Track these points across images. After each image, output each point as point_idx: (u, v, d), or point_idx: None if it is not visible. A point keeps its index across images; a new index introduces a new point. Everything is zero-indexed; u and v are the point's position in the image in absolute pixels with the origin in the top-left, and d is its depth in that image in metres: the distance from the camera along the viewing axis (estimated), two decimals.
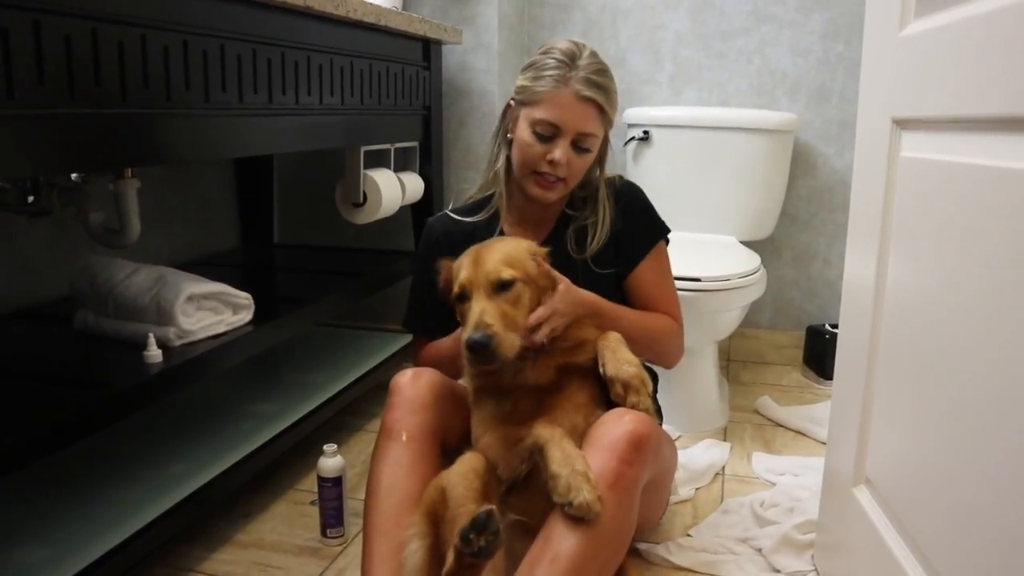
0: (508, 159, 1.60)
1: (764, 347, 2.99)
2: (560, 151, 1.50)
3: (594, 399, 1.39)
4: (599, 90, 1.49)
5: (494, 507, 1.12)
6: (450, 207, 1.73)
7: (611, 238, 1.61)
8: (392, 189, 2.32)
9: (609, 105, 1.53)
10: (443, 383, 1.47)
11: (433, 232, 1.69)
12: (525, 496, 1.32)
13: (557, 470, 1.20)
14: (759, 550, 1.66)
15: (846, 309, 1.50)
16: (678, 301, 1.69)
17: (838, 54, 2.77)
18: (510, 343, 1.26)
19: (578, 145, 1.52)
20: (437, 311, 1.54)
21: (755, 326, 3.00)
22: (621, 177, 1.69)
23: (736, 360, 2.97)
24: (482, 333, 1.24)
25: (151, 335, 1.54)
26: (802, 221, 2.91)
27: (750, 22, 2.82)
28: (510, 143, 1.58)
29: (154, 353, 1.53)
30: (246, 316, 1.78)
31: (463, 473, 1.27)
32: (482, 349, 1.23)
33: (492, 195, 1.67)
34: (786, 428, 2.37)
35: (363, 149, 2.21)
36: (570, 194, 1.63)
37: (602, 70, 1.52)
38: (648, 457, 1.31)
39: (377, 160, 2.41)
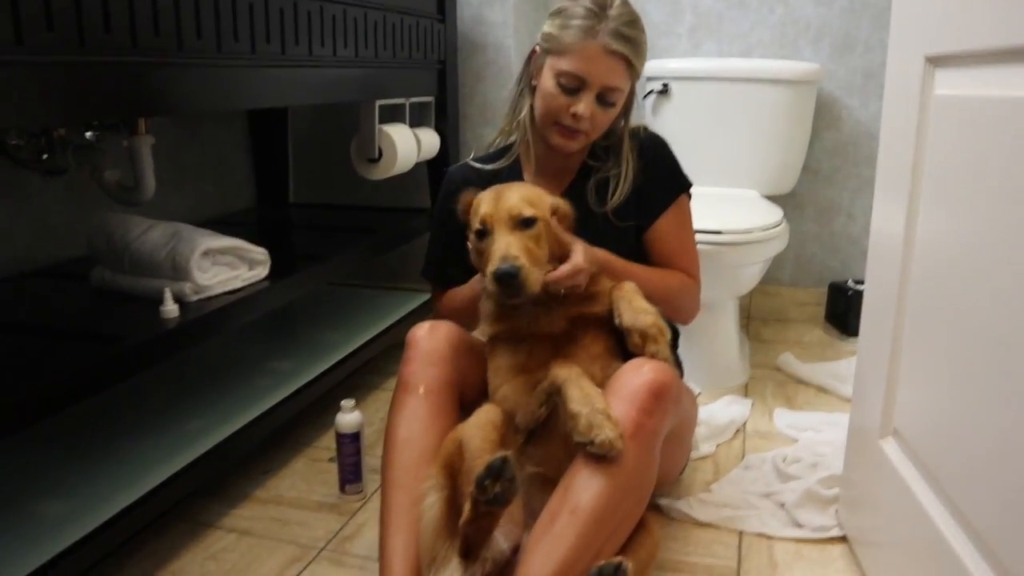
0: (532, 107, 1.56)
1: (785, 304, 2.95)
2: (584, 105, 1.46)
3: (610, 350, 1.37)
4: (628, 43, 1.44)
5: (509, 453, 1.10)
6: (471, 156, 1.70)
7: (633, 191, 1.57)
8: (407, 144, 2.29)
9: (637, 59, 1.47)
10: (460, 336, 1.45)
11: (453, 181, 1.66)
12: (544, 446, 1.31)
13: (577, 408, 1.18)
14: (782, 505, 1.64)
15: (873, 259, 1.46)
16: (697, 257, 1.65)
17: (863, 2, 2.69)
18: (535, 277, 1.24)
19: (603, 99, 1.47)
20: (456, 260, 1.52)
21: (776, 283, 2.96)
22: (646, 128, 1.64)
23: (757, 317, 2.94)
24: (510, 264, 1.21)
25: (167, 290, 1.52)
26: (825, 175, 2.86)
27: None
28: (534, 90, 1.55)
29: (170, 308, 1.51)
30: (262, 272, 1.76)
31: (480, 425, 1.25)
32: (510, 280, 1.21)
33: (513, 143, 1.64)
34: (808, 384, 2.34)
35: (378, 103, 2.18)
36: (592, 144, 1.59)
37: (633, 21, 1.45)
38: (668, 407, 1.28)
39: (392, 115, 2.37)
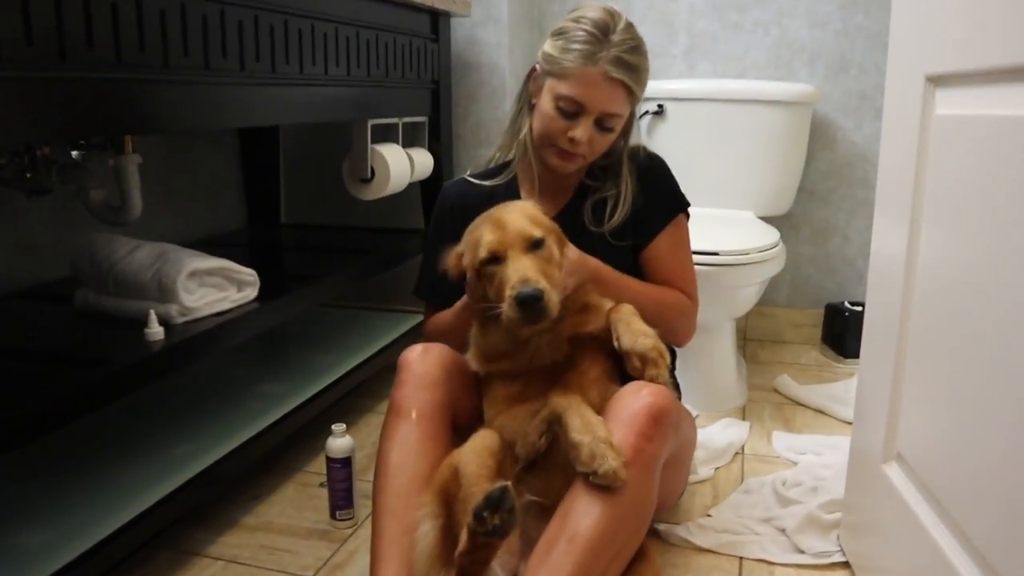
0: (531, 126, 1.54)
1: (781, 326, 2.93)
2: (581, 130, 1.44)
3: (608, 374, 1.35)
4: (629, 71, 1.41)
5: (509, 483, 1.07)
6: (468, 172, 1.69)
7: (631, 211, 1.55)
8: (401, 164, 2.26)
9: (638, 86, 1.46)
10: (453, 359, 1.41)
11: (448, 197, 1.64)
12: (542, 475, 1.27)
13: (578, 438, 1.15)
14: (782, 530, 1.61)
15: (874, 281, 1.44)
16: (694, 278, 1.63)
17: (857, 25, 2.69)
18: (556, 299, 1.20)
19: (602, 124, 1.46)
20: (450, 280, 1.49)
21: (772, 304, 2.93)
22: (645, 149, 1.63)
23: (753, 339, 2.91)
24: (532, 288, 1.17)
25: (152, 312, 1.49)
26: (820, 196, 2.84)
27: None
28: (533, 108, 1.53)
29: (156, 331, 1.48)
30: (251, 293, 1.73)
31: (476, 451, 1.22)
32: (535, 303, 1.17)
33: (512, 159, 1.63)
34: (806, 407, 2.31)
35: (370, 123, 2.15)
36: (591, 163, 1.58)
37: (635, 48, 1.43)
38: (668, 431, 1.25)
39: (385, 135, 2.35)
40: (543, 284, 1.19)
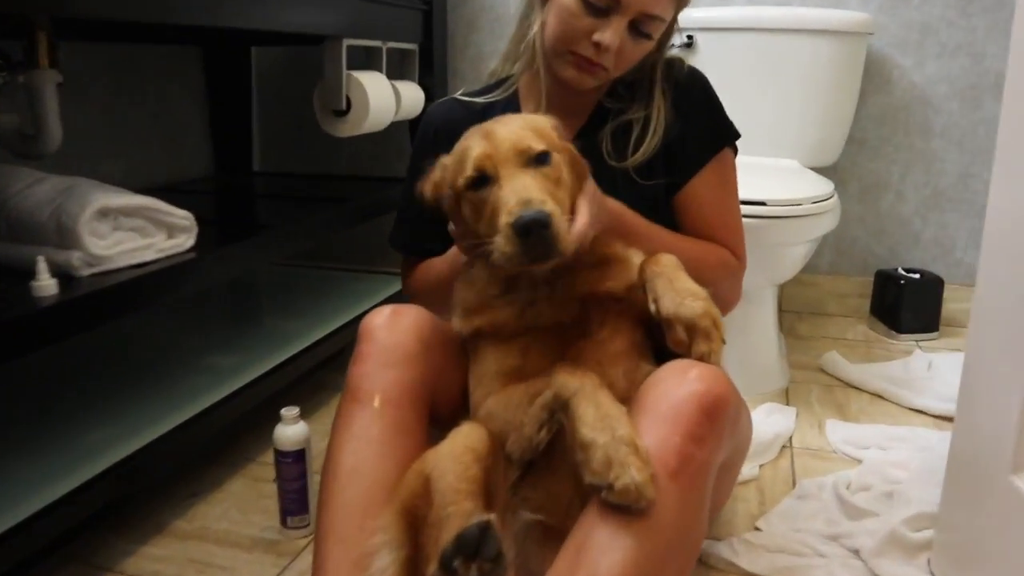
0: (544, 24, 1.18)
1: (823, 295, 2.56)
2: (611, 32, 1.09)
3: (637, 347, 1.01)
4: None
5: (492, 517, 0.73)
6: (460, 91, 1.34)
7: (663, 142, 1.20)
8: (383, 96, 1.90)
9: None
10: (433, 326, 1.06)
11: (432, 120, 1.31)
12: (545, 485, 0.94)
13: (590, 436, 0.82)
14: (855, 551, 1.26)
15: (991, 250, 1.08)
16: (741, 228, 1.29)
17: None
18: (566, 232, 0.87)
19: (638, 28, 1.11)
20: (434, 222, 1.15)
21: (812, 271, 2.56)
22: (683, 62, 1.26)
23: (790, 311, 2.55)
24: (537, 210, 0.84)
25: (41, 260, 1.14)
26: (871, 147, 2.46)
27: None
28: (545, 1, 1.17)
29: (46, 283, 1.13)
30: (186, 241, 1.38)
31: (455, 455, 0.87)
32: (540, 230, 0.84)
33: (515, 73, 1.28)
34: (860, 390, 1.96)
35: (346, 43, 1.78)
36: (614, 80, 1.22)
37: None
38: (725, 431, 0.92)
39: (367, 63, 1.99)
40: (550, 206, 0.86)
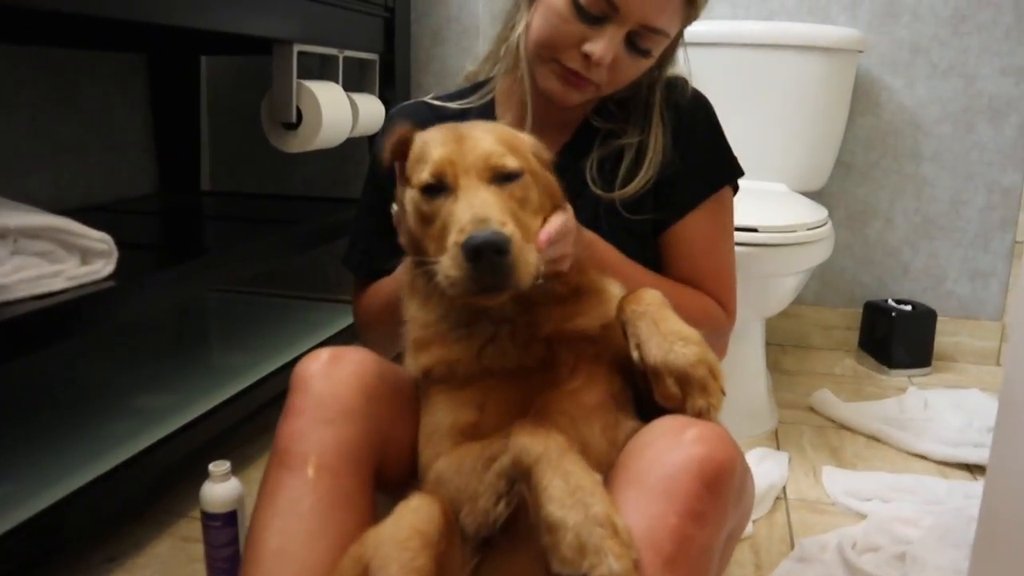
0: (528, 27, 1.02)
1: (808, 327, 2.43)
2: (604, 44, 0.94)
3: (616, 398, 0.85)
4: None
5: None
6: (430, 95, 1.17)
7: (656, 174, 1.04)
8: (338, 108, 1.73)
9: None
10: (379, 371, 0.89)
11: (393, 124, 1.11)
12: (508, 569, 0.77)
13: (558, 515, 0.66)
14: None
15: None
16: (734, 278, 1.12)
17: None
18: (530, 259, 0.72)
19: (636, 43, 0.96)
20: (386, 235, 1.00)
21: (797, 301, 2.39)
22: (686, 82, 1.10)
23: (773, 343, 2.41)
24: (493, 231, 0.69)
25: None
26: (859, 171, 2.34)
27: None
28: (532, 2, 1.01)
29: None
30: (103, 267, 1.19)
31: (400, 540, 0.70)
32: (493, 255, 0.69)
33: (494, 77, 1.12)
34: (854, 431, 1.81)
35: (297, 48, 1.62)
36: (604, 97, 1.07)
37: None
38: (730, 504, 0.77)
39: (322, 74, 1.83)
40: (510, 228, 0.71)
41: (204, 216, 1.99)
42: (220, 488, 1.13)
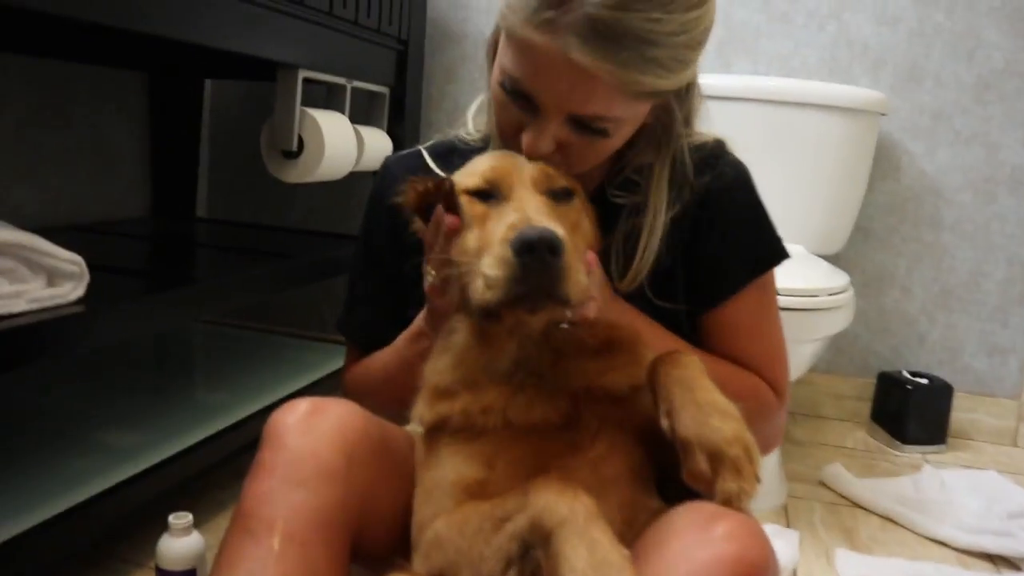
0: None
1: (819, 396, 2.32)
2: (533, 136, 0.80)
3: (636, 472, 0.76)
4: (620, 49, 0.72)
5: None
6: (426, 144, 1.06)
7: (687, 255, 0.93)
8: (342, 140, 1.65)
9: (648, 73, 0.74)
10: (364, 428, 0.79)
11: (389, 175, 1.01)
12: None
13: None
14: None
15: None
16: (784, 356, 0.98)
17: (935, 24, 2.14)
18: (579, 276, 0.67)
19: (586, 124, 0.80)
20: (390, 302, 0.96)
21: (810, 368, 2.34)
22: (723, 148, 0.96)
23: None
24: (542, 228, 0.64)
25: None
26: (877, 236, 2.26)
27: None
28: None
29: None
30: (71, 290, 1.10)
31: None
32: (546, 253, 0.63)
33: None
34: (868, 511, 1.71)
35: (302, 74, 1.54)
36: (623, 159, 0.93)
37: None
38: None
39: (328, 104, 1.75)
40: (562, 233, 0.66)
41: (194, 243, 1.90)
42: (179, 543, 1.02)
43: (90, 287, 1.13)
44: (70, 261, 1.09)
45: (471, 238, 0.72)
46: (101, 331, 1.14)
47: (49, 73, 1.79)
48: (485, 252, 0.67)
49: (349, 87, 1.74)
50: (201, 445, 1.41)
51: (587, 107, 0.77)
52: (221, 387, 1.71)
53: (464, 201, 0.75)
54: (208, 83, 2.27)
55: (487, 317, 0.69)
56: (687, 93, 0.90)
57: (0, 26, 1.49)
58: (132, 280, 1.36)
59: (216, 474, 1.48)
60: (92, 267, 1.13)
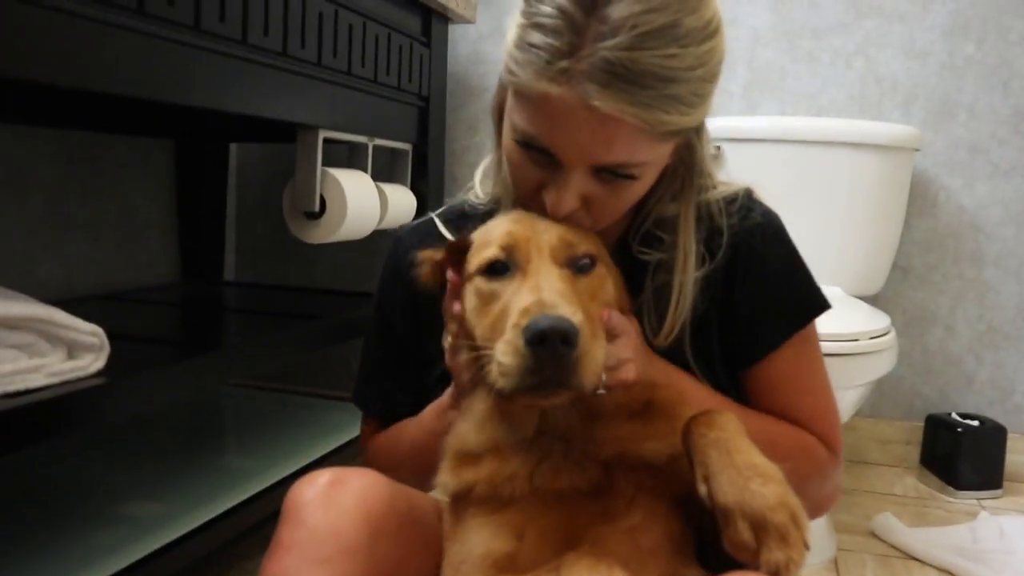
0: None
1: (864, 441, 2.24)
2: (558, 194, 0.77)
3: (676, 542, 0.71)
4: (639, 88, 0.69)
5: None
6: (437, 211, 1.03)
7: (720, 309, 0.89)
8: (365, 198, 1.64)
9: (673, 108, 0.71)
10: (389, 499, 0.75)
11: (402, 247, 0.97)
12: None
13: None
14: None
15: None
16: (834, 410, 0.93)
17: (967, 57, 2.11)
18: (595, 359, 0.64)
19: (612, 171, 0.76)
20: (406, 376, 0.95)
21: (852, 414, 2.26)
22: (751, 197, 0.92)
23: None
24: (557, 316, 0.62)
25: None
26: (917, 275, 2.20)
27: (850, 15, 2.17)
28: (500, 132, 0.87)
29: None
30: (92, 362, 1.08)
31: None
32: (559, 344, 0.61)
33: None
34: (923, 563, 1.62)
35: (323, 134, 1.54)
36: (644, 210, 0.89)
37: (652, 33, 0.68)
38: None
39: (351, 163, 1.75)
40: (579, 318, 0.63)
41: (219, 308, 1.89)
42: None
43: (113, 357, 1.11)
44: (90, 333, 1.07)
45: (486, 315, 0.70)
46: (122, 403, 1.12)
47: (75, 144, 1.80)
48: (500, 334, 0.65)
49: (371, 145, 1.73)
50: (228, 514, 1.38)
51: (611, 155, 0.74)
52: (247, 452, 1.68)
53: (476, 280, 0.72)
54: (233, 147, 2.28)
55: (503, 399, 0.67)
56: (702, 130, 0.87)
57: (28, 100, 1.51)
58: (155, 348, 1.35)
59: (244, 543, 1.44)
60: (116, 336, 1.11)
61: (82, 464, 1.56)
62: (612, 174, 0.76)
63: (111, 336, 1.11)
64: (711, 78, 0.74)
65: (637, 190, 0.80)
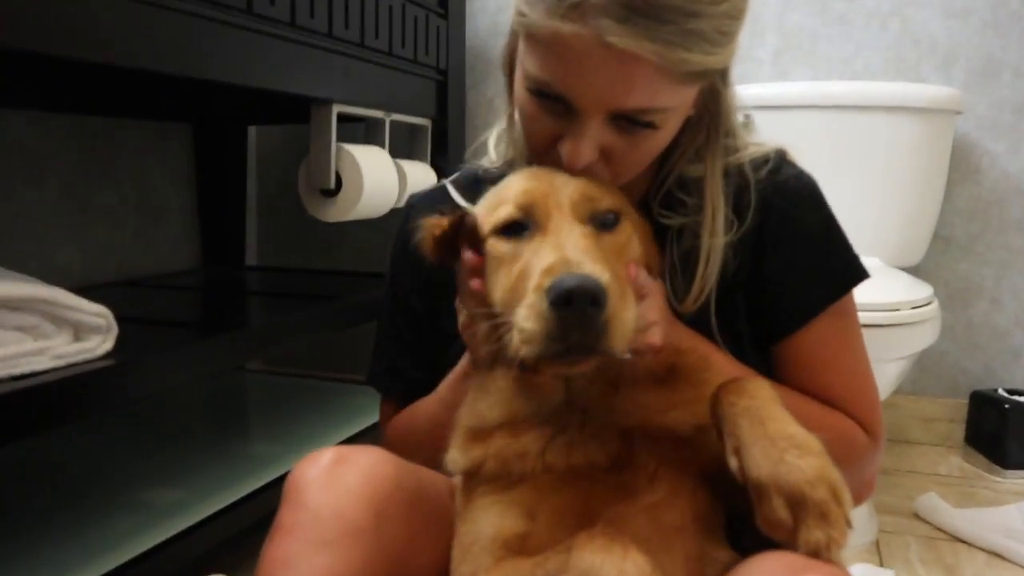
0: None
1: (906, 419, 2.16)
2: (574, 146, 0.72)
3: (703, 520, 0.66)
4: (659, 23, 0.64)
5: None
6: (451, 178, 1.00)
7: (749, 277, 0.83)
8: (382, 174, 1.60)
9: (696, 45, 0.66)
10: (396, 478, 0.71)
11: (414, 214, 0.92)
12: None
13: None
14: None
15: None
16: (874, 391, 0.86)
17: (1011, 12, 2.01)
18: (625, 321, 0.59)
19: (631, 119, 0.71)
20: (422, 350, 0.91)
21: (893, 389, 2.18)
22: (784, 158, 0.87)
23: None
24: (582, 275, 0.57)
25: None
26: (959, 245, 2.11)
27: None
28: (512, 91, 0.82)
29: None
30: (99, 345, 1.05)
31: None
32: (586, 304, 0.56)
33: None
34: (969, 544, 1.55)
35: (336, 109, 1.49)
36: (667, 165, 0.83)
37: None
38: None
39: (369, 139, 1.71)
40: (606, 276, 0.57)
41: (240, 291, 1.86)
42: None
43: (126, 340, 1.08)
44: (96, 314, 1.04)
45: (504, 278, 0.65)
46: (133, 385, 1.09)
47: (92, 130, 1.78)
48: (520, 299, 0.59)
49: (388, 121, 1.69)
50: (247, 500, 1.35)
51: (630, 99, 0.69)
52: (268, 438, 1.66)
53: (492, 241, 0.67)
54: (252, 130, 2.25)
55: (525, 370, 0.63)
56: (728, 76, 0.82)
57: (46, 85, 1.48)
58: (170, 331, 1.32)
59: (263, 530, 1.41)
60: (133, 320, 1.09)
61: (102, 449, 1.54)
62: (631, 122, 0.71)
63: (128, 321, 1.09)
64: (737, 14, 0.68)
65: (659, 141, 0.75)
